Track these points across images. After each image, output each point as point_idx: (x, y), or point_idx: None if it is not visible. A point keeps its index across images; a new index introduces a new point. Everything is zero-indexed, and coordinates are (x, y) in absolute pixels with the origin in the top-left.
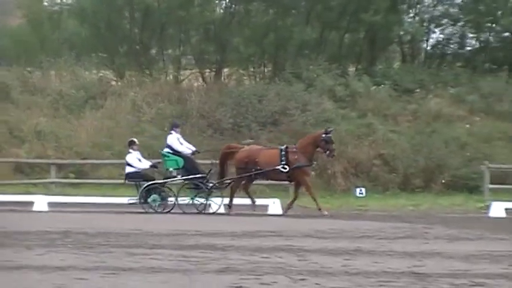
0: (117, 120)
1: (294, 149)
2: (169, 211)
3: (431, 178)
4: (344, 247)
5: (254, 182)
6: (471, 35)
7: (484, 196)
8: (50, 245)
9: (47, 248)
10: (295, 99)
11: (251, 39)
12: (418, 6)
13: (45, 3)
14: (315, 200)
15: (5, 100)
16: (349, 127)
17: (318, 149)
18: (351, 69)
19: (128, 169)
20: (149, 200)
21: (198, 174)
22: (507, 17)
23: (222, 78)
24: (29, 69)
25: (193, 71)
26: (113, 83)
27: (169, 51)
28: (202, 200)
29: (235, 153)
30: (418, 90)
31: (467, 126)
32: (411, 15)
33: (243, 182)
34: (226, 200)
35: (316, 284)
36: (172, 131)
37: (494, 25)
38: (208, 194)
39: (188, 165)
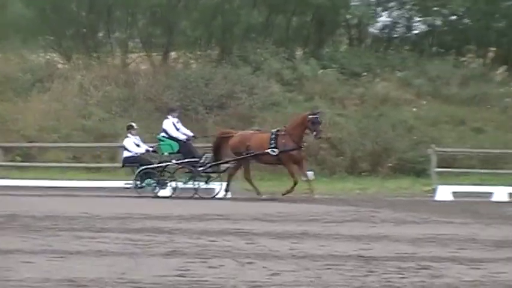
0: (64, 103)
1: (283, 132)
2: (171, 196)
3: (379, 162)
4: (291, 230)
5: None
6: (418, 19)
7: (430, 179)
8: None
9: None
10: (242, 83)
11: (198, 23)
12: None
13: None
14: (293, 186)
15: None
16: (296, 110)
17: (307, 131)
18: (298, 52)
19: (125, 153)
20: (144, 184)
21: (193, 158)
22: (454, 0)
23: (169, 61)
24: None
25: (140, 54)
26: (60, 65)
27: (117, 34)
28: (193, 184)
29: (229, 139)
30: (365, 73)
31: (414, 109)
32: None
33: (240, 168)
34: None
35: (264, 267)
36: (169, 116)
37: (441, 9)
38: (207, 179)
39: (183, 150)
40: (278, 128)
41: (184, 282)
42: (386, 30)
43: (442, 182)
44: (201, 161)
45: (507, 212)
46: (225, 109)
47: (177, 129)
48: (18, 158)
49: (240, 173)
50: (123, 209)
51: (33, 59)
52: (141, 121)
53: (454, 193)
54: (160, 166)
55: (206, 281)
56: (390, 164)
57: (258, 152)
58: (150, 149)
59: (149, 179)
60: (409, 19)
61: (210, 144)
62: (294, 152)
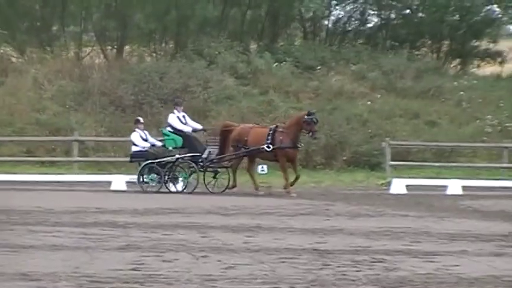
0: (18, 97)
1: (281, 129)
2: (182, 191)
3: (333, 155)
4: (246, 224)
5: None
6: (372, 12)
7: (385, 173)
8: None
9: None
10: (196, 77)
11: (152, 16)
12: None
13: None
14: (286, 180)
15: None
16: (251, 104)
17: (303, 130)
18: (253, 46)
19: (133, 148)
20: (147, 179)
21: (196, 153)
22: None
23: (124, 55)
24: None
25: (94, 48)
26: (14, 59)
27: (71, 27)
28: (192, 179)
29: (231, 132)
30: (319, 67)
31: (369, 103)
32: None
33: (239, 161)
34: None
35: (218, 260)
36: (174, 110)
37: (395, 2)
38: (215, 174)
39: (187, 144)
40: (277, 124)
41: (138, 276)
42: (340, 24)
43: (397, 175)
44: (203, 155)
45: (461, 205)
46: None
47: (184, 123)
48: None
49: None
50: (77, 203)
51: None
52: (96, 115)
53: (408, 186)
54: (163, 161)
55: (161, 274)
56: (345, 158)
57: (252, 148)
58: (159, 143)
59: (153, 174)
60: (363, 13)
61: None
62: (290, 150)
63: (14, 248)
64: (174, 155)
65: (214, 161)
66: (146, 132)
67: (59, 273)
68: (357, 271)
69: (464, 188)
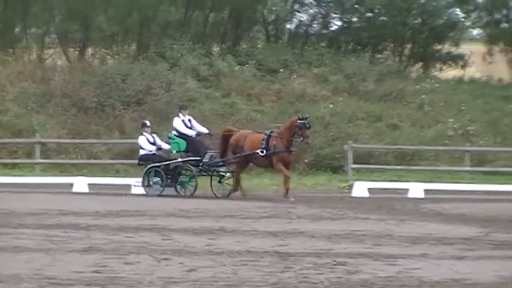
0: None
1: (275, 134)
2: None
3: (295, 158)
4: (208, 226)
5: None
6: (335, 16)
7: (347, 176)
8: None
9: None
10: (159, 79)
11: (115, 18)
12: None
13: None
14: (285, 184)
15: None
16: (213, 106)
17: (295, 135)
18: (215, 48)
19: (140, 151)
20: (151, 182)
21: (199, 157)
22: None
23: (86, 57)
24: None
25: (56, 49)
26: None
27: (33, 29)
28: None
29: (231, 137)
30: (282, 70)
31: (331, 106)
32: None
33: (239, 167)
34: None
35: (180, 263)
36: (180, 114)
37: (357, 6)
38: (220, 178)
39: (191, 148)
40: (272, 130)
41: (100, 279)
42: (303, 27)
43: (359, 178)
44: (204, 160)
45: (422, 209)
46: (142, 105)
47: (189, 127)
48: None
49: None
50: (40, 205)
51: None
52: (58, 117)
53: (370, 189)
54: (165, 164)
55: (122, 277)
56: (307, 161)
57: (247, 153)
58: (167, 146)
59: (156, 178)
60: (326, 16)
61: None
62: (284, 154)
63: None
64: (176, 159)
65: (212, 165)
66: (155, 135)
67: (22, 275)
68: (319, 274)
69: (426, 191)
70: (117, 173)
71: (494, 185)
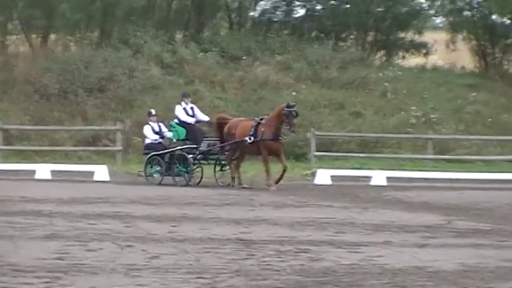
0: None
1: (264, 122)
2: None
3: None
4: (171, 214)
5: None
6: (298, 3)
7: (310, 163)
8: None
9: None
10: (122, 66)
11: (78, 5)
12: None
13: None
14: (267, 173)
15: None
16: (176, 94)
17: (283, 124)
18: (179, 36)
19: (146, 141)
20: (152, 171)
21: (197, 145)
22: None
23: (49, 44)
24: None
25: (19, 36)
26: None
27: None
28: (186, 171)
29: (225, 125)
30: (245, 57)
31: (294, 93)
32: None
33: (231, 155)
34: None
35: (143, 250)
36: (182, 102)
37: None
38: (221, 166)
39: (190, 136)
40: (262, 117)
41: (63, 265)
42: (266, 14)
43: (321, 165)
44: (201, 148)
45: (385, 196)
46: (105, 92)
47: (192, 115)
48: None
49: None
50: (2, 192)
51: None
52: (20, 103)
53: (333, 177)
54: (164, 153)
55: (85, 264)
56: None
57: (236, 140)
58: (171, 135)
59: (157, 166)
60: (289, 3)
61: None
62: (271, 142)
63: None
64: (175, 147)
65: (208, 153)
66: (161, 124)
67: None
68: (281, 261)
69: (388, 179)
70: (80, 160)
71: (457, 173)
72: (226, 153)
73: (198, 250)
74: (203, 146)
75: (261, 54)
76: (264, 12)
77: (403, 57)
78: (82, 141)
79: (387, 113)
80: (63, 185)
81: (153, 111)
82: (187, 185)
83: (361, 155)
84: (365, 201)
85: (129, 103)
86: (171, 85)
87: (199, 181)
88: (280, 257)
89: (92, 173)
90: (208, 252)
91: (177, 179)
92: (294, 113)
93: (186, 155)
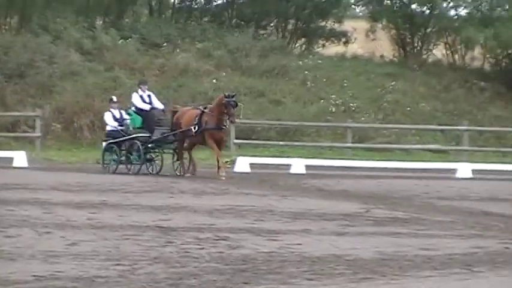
0: None
1: (208, 111)
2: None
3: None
4: (90, 200)
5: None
6: None
7: (229, 151)
8: None
9: None
10: (41, 52)
11: None
12: None
13: None
14: (217, 162)
15: None
16: (96, 80)
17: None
18: (99, 22)
19: (107, 128)
20: (108, 159)
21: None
22: None
23: None
24: None
25: None
26: None
27: None
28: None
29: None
30: (165, 44)
31: (214, 81)
32: None
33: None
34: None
35: (62, 237)
36: (139, 89)
37: None
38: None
39: (145, 124)
40: (206, 106)
41: None
42: (186, 2)
43: (241, 153)
44: (153, 136)
45: (304, 184)
46: (24, 78)
47: (148, 103)
48: None
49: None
50: None
51: None
52: None
53: (252, 165)
54: (118, 141)
55: (3, 250)
56: None
57: (182, 130)
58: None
59: (113, 155)
60: None
61: None
62: (214, 131)
63: None
64: (130, 135)
65: (160, 142)
66: (123, 111)
67: None
68: (200, 249)
69: (307, 167)
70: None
71: (376, 162)
72: (176, 142)
73: (117, 237)
74: (156, 135)
75: (182, 41)
76: None
77: (323, 46)
78: (1, 128)
79: (307, 101)
80: None
81: (115, 98)
82: (138, 172)
83: (281, 143)
84: (284, 189)
85: (49, 89)
86: (91, 71)
87: (160, 170)
88: (199, 245)
89: (10, 159)
90: (128, 239)
91: (130, 167)
92: (232, 103)
93: (138, 143)
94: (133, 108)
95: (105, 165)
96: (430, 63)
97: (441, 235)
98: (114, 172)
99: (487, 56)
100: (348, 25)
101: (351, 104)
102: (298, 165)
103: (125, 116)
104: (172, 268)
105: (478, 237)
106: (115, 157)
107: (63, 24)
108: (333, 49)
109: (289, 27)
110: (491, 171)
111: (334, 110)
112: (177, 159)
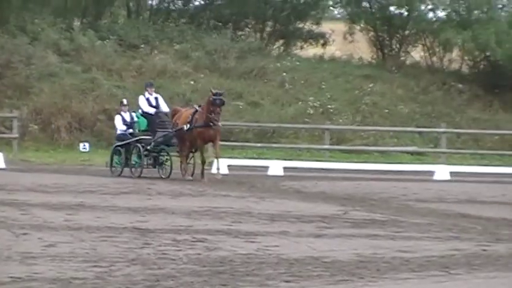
0: None
1: (200, 110)
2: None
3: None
4: (67, 202)
5: None
6: None
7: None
8: None
9: None
10: (19, 53)
11: None
12: None
13: None
14: (202, 164)
15: None
16: (74, 81)
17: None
18: (76, 23)
19: (117, 131)
20: (115, 162)
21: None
22: None
23: None
24: None
25: None
26: None
27: None
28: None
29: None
30: (143, 45)
31: (192, 82)
32: None
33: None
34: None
35: (39, 238)
36: (146, 92)
37: None
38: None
39: (150, 127)
40: (200, 104)
41: None
42: (164, 3)
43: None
44: (155, 139)
45: (282, 186)
46: (1, 79)
47: (155, 106)
48: None
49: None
50: None
51: None
52: None
53: (230, 166)
54: (124, 144)
55: None
56: None
57: (176, 129)
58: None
59: (118, 157)
60: None
61: None
62: (203, 129)
63: None
64: (135, 138)
65: (160, 144)
66: (134, 114)
67: None
68: (178, 250)
69: (285, 169)
70: None
71: (353, 164)
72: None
73: (95, 238)
74: (159, 137)
75: (159, 42)
76: (162, 0)
77: (301, 48)
78: None
79: (285, 103)
80: None
81: (125, 101)
82: (140, 176)
83: (259, 144)
84: (262, 191)
85: (26, 90)
86: (69, 73)
87: (170, 173)
88: (176, 246)
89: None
90: (105, 240)
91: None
92: (218, 101)
93: (139, 145)
94: (140, 111)
95: (112, 169)
96: (408, 65)
97: (419, 237)
98: (119, 175)
99: (465, 58)
100: (326, 27)
101: (329, 106)
102: (276, 167)
103: (136, 119)
104: (150, 270)
105: (456, 239)
106: (118, 160)
107: (40, 25)
108: (311, 51)
109: (267, 28)
110: (469, 174)
111: (312, 112)
112: (181, 161)
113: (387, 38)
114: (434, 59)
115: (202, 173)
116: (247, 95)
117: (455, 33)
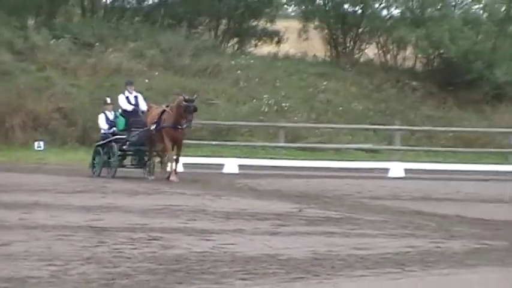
0: None
1: (169, 110)
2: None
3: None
4: (22, 201)
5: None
6: None
7: None
8: None
9: None
10: None
11: None
12: None
13: None
14: (170, 161)
15: None
16: (28, 80)
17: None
18: (31, 21)
19: (101, 131)
20: (95, 162)
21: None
22: None
23: None
24: None
25: None
26: None
27: None
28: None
29: None
30: (97, 44)
31: (147, 80)
32: None
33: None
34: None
35: None
36: (126, 90)
37: None
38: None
39: (127, 126)
40: (168, 104)
41: None
42: (119, 1)
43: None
44: (130, 138)
45: (237, 184)
46: None
47: (134, 104)
48: None
49: None
50: None
51: None
52: None
53: (185, 164)
54: (102, 143)
55: None
56: None
57: (144, 129)
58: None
59: (98, 157)
60: None
61: None
62: (171, 130)
63: None
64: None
65: (134, 144)
66: (113, 113)
67: None
68: (133, 248)
69: (240, 166)
70: None
71: (308, 161)
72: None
73: (50, 237)
74: (132, 136)
75: (114, 41)
76: None
77: (256, 46)
78: None
79: (240, 101)
80: None
81: (109, 100)
82: (114, 176)
83: (214, 142)
84: (217, 188)
85: None
86: (23, 71)
87: (152, 173)
88: (132, 245)
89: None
90: (60, 239)
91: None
92: (191, 108)
93: (115, 145)
94: (119, 110)
95: (93, 170)
96: (362, 63)
97: (374, 234)
98: (98, 175)
99: (419, 55)
100: (280, 25)
101: (284, 104)
102: (231, 165)
103: (113, 118)
104: (105, 268)
105: (410, 236)
106: (97, 160)
107: None
108: (266, 49)
109: (222, 26)
110: (423, 171)
111: (266, 109)
112: (148, 159)
113: (341, 36)
114: (388, 56)
115: (175, 171)
116: (202, 92)
117: (408, 31)
